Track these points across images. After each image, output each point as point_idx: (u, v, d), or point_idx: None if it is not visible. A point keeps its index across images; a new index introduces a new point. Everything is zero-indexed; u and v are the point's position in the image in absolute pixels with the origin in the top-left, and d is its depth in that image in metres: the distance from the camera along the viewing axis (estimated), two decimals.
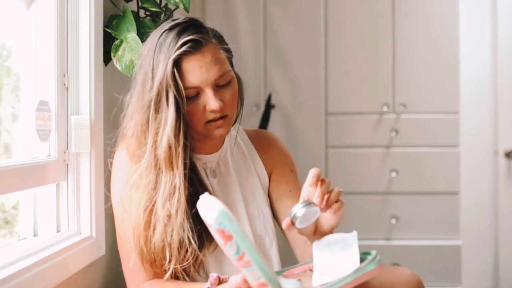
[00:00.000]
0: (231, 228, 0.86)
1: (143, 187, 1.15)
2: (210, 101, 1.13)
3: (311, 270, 1.03)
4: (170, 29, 1.14)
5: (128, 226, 1.18)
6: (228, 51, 1.20)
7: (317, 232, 1.06)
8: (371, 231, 2.70)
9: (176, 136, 1.12)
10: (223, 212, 0.87)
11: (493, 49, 2.93)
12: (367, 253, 0.97)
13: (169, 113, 1.11)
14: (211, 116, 1.16)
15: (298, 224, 0.99)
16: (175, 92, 1.11)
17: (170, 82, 1.11)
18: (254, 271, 0.88)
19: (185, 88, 1.12)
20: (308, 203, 0.99)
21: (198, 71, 1.12)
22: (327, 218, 1.04)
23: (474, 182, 2.93)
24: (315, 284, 0.94)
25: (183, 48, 1.11)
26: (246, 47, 2.70)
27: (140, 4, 1.48)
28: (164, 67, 1.11)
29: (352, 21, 2.72)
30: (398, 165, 2.71)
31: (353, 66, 2.72)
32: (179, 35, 1.13)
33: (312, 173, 1.02)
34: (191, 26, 1.15)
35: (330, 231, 1.05)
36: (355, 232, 0.99)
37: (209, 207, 0.89)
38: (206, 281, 1.06)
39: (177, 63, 1.12)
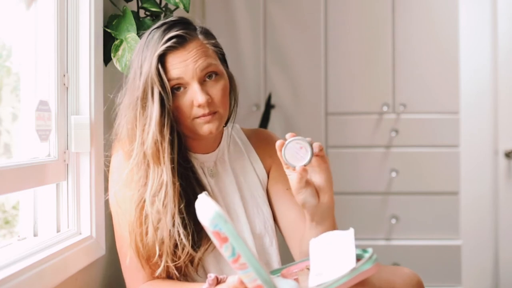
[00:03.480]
0: (226, 230, 0.86)
1: (135, 183, 1.16)
2: (197, 95, 1.14)
3: (308, 269, 1.03)
4: (158, 27, 1.17)
5: (124, 224, 1.18)
6: (216, 46, 1.20)
7: (320, 199, 1.07)
8: (371, 231, 2.70)
9: (161, 131, 1.13)
10: (218, 214, 0.87)
11: (493, 49, 2.93)
12: (365, 251, 0.97)
13: (154, 109, 1.12)
14: (200, 112, 1.15)
15: (287, 154, 1.04)
16: (159, 88, 1.12)
17: (155, 78, 1.12)
18: (250, 273, 0.88)
19: (170, 80, 1.13)
20: (305, 140, 1.03)
21: (182, 63, 1.13)
22: (317, 173, 1.06)
23: (474, 182, 2.93)
24: (311, 284, 0.94)
25: (168, 44, 1.13)
26: (246, 47, 2.70)
27: (140, 4, 1.48)
28: (149, 63, 1.13)
29: (352, 21, 2.73)
30: (398, 165, 2.71)
31: (353, 66, 2.72)
32: (166, 31, 1.14)
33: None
34: (177, 23, 1.17)
35: (328, 186, 1.07)
36: (351, 230, 0.98)
37: (205, 209, 0.89)
38: (206, 281, 1.06)
39: (162, 58, 1.13)
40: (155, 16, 1.50)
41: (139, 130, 1.14)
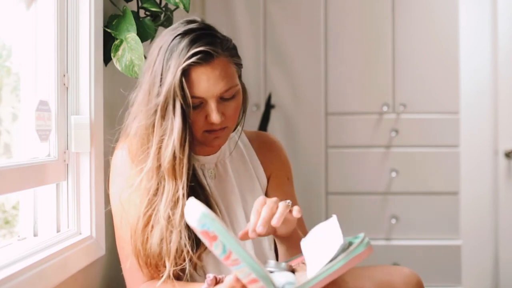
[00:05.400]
0: (214, 228, 0.87)
1: (143, 190, 1.15)
2: (212, 114, 1.14)
3: (304, 263, 1.04)
4: (184, 34, 1.13)
5: (127, 227, 1.18)
6: (238, 64, 1.20)
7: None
8: (371, 231, 2.70)
9: (182, 146, 1.12)
10: (204, 214, 0.87)
11: (493, 49, 2.93)
12: (356, 237, 0.97)
13: (176, 123, 1.11)
14: (211, 126, 1.16)
15: None
16: (182, 101, 1.10)
17: (178, 91, 1.10)
18: (243, 269, 0.88)
19: (192, 97, 1.12)
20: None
21: (205, 83, 1.12)
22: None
23: (474, 182, 2.93)
24: (309, 275, 0.94)
25: (193, 59, 1.10)
26: (246, 47, 2.70)
27: (140, 4, 1.48)
28: (173, 75, 1.10)
29: (352, 21, 2.73)
30: (398, 165, 2.71)
31: (353, 66, 2.72)
32: (192, 44, 1.11)
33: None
34: (205, 35, 1.13)
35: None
36: (334, 216, 0.99)
37: (191, 211, 0.90)
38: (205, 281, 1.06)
39: (186, 72, 1.11)
40: (155, 16, 1.50)
41: (156, 140, 1.13)
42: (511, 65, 2.92)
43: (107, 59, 1.40)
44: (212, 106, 1.13)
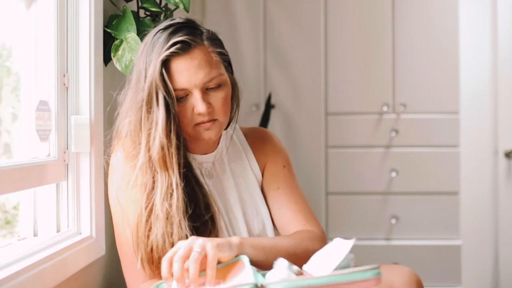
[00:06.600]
0: None
1: (140, 186, 1.15)
2: (197, 104, 1.14)
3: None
4: (165, 28, 1.15)
5: (126, 226, 1.18)
6: (222, 54, 1.19)
7: None
8: (371, 231, 2.70)
9: (168, 136, 1.13)
10: None
11: (493, 49, 2.93)
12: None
13: (159, 114, 1.12)
14: (200, 119, 1.16)
15: None
16: (164, 93, 1.12)
17: (159, 83, 1.11)
18: None
19: (174, 90, 1.13)
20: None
21: (185, 73, 1.13)
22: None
23: (474, 182, 2.93)
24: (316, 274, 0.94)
25: (172, 49, 1.12)
26: (246, 47, 2.70)
27: (140, 4, 1.48)
28: (153, 67, 1.12)
29: (352, 21, 2.73)
30: (398, 165, 2.71)
31: (353, 66, 2.73)
32: (171, 35, 1.13)
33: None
34: (184, 27, 1.15)
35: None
36: (353, 240, 0.97)
37: None
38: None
39: (167, 64, 1.12)
40: (155, 16, 1.50)
41: (144, 134, 1.14)
42: (511, 65, 2.92)
43: (107, 59, 1.40)
44: (197, 96, 1.14)
